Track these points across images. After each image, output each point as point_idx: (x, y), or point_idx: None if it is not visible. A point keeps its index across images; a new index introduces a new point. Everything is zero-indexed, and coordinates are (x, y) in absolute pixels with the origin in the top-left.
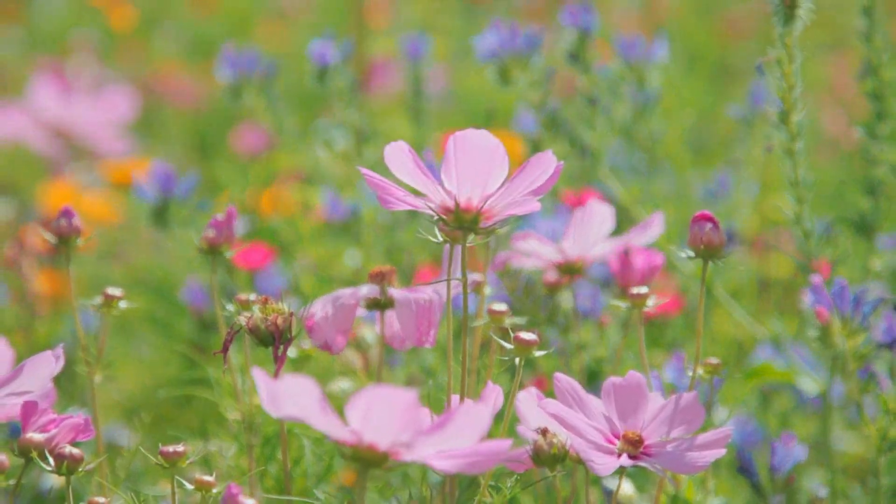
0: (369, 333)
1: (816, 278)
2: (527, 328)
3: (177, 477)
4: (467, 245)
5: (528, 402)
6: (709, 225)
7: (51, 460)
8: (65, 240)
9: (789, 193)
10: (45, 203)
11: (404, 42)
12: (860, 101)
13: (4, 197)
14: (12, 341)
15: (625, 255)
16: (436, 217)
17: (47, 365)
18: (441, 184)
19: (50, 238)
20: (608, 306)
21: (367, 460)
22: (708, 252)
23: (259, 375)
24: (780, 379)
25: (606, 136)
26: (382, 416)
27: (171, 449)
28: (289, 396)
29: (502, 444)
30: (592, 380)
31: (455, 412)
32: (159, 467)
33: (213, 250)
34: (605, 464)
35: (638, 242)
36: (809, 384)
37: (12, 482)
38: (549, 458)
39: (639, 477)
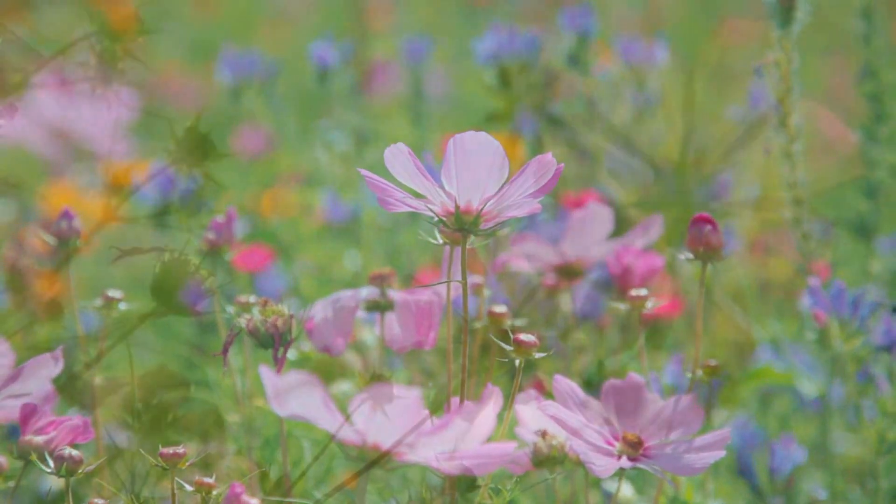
0: (369, 336)
1: (814, 281)
2: (526, 330)
3: (177, 479)
4: (467, 247)
5: (528, 405)
6: (708, 227)
7: (50, 462)
8: (65, 242)
9: (788, 195)
10: (45, 204)
11: (405, 44)
12: (859, 103)
13: (4, 198)
14: (12, 343)
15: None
16: (436, 219)
17: (47, 367)
18: (441, 186)
19: (50, 240)
20: (608, 308)
21: (371, 460)
22: (707, 254)
23: (265, 372)
24: (780, 381)
25: (606, 138)
26: (386, 415)
27: (170, 451)
28: (294, 394)
29: (507, 447)
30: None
31: (459, 413)
32: (159, 469)
33: (213, 252)
34: (604, 466)
35: (637, 244)
36: (809, 386)
37: (12, 484)
38: (549, 459)
39: (638, 479)
